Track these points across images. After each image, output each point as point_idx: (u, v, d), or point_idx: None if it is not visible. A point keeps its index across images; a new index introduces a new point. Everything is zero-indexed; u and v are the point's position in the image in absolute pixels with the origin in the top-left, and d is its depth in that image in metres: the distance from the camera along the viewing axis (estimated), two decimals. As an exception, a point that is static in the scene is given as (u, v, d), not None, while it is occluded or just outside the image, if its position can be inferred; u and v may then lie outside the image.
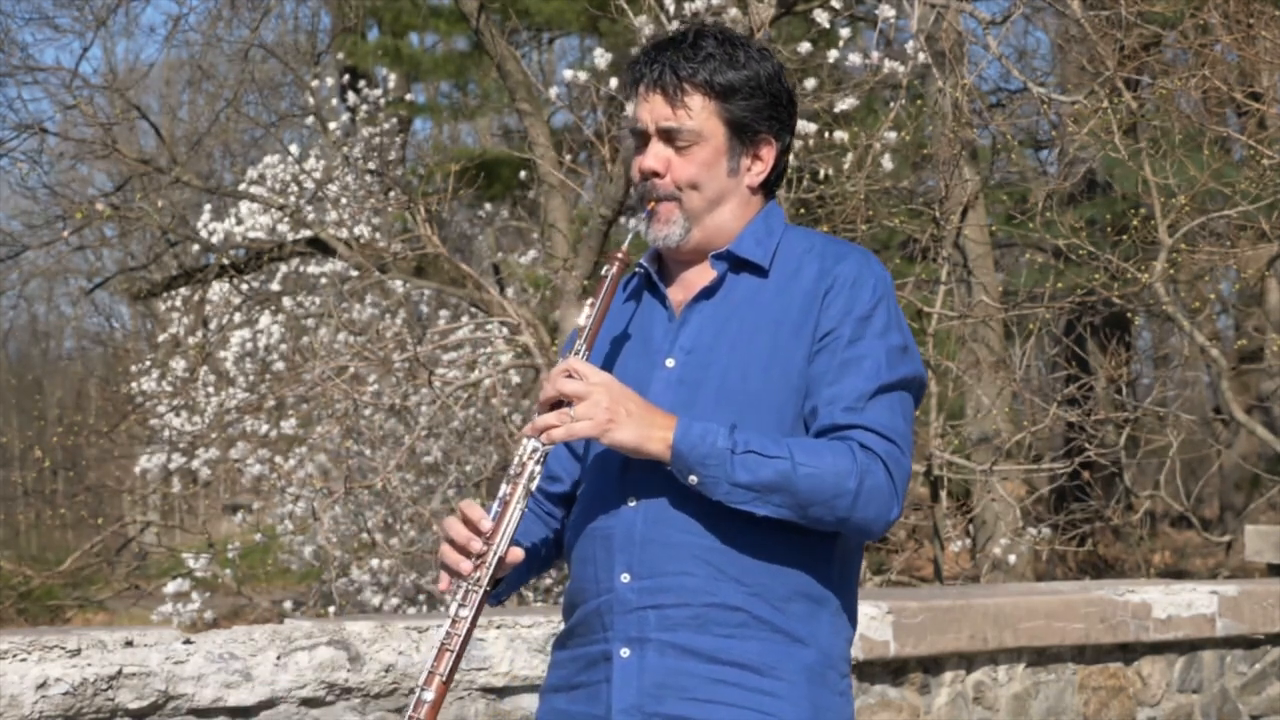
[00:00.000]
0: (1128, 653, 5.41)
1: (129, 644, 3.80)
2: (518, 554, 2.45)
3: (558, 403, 2.42)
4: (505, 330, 8.67)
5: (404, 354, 8.88)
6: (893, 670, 4.91)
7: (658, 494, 2.44)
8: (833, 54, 8.32)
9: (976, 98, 10.13)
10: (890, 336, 2.48)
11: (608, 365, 2.59)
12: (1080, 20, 8.63)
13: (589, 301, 2.53)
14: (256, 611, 11.42)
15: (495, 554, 2.42)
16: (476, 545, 2.42)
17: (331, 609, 9.65)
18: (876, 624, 4.80)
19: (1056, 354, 10.31)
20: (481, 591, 2.42)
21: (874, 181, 8.27)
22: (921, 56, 8.05)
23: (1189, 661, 5.55)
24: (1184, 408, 12.56)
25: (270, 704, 3.96)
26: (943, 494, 8.42)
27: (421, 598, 10.07)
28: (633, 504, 2.48)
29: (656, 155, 2.53)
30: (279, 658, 3.96)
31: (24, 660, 3.68)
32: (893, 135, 8.08)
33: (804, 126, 8.07)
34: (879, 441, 2.42)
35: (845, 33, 8.77)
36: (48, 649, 3.71)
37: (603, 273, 2.55)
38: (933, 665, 4.99)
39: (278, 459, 10.41)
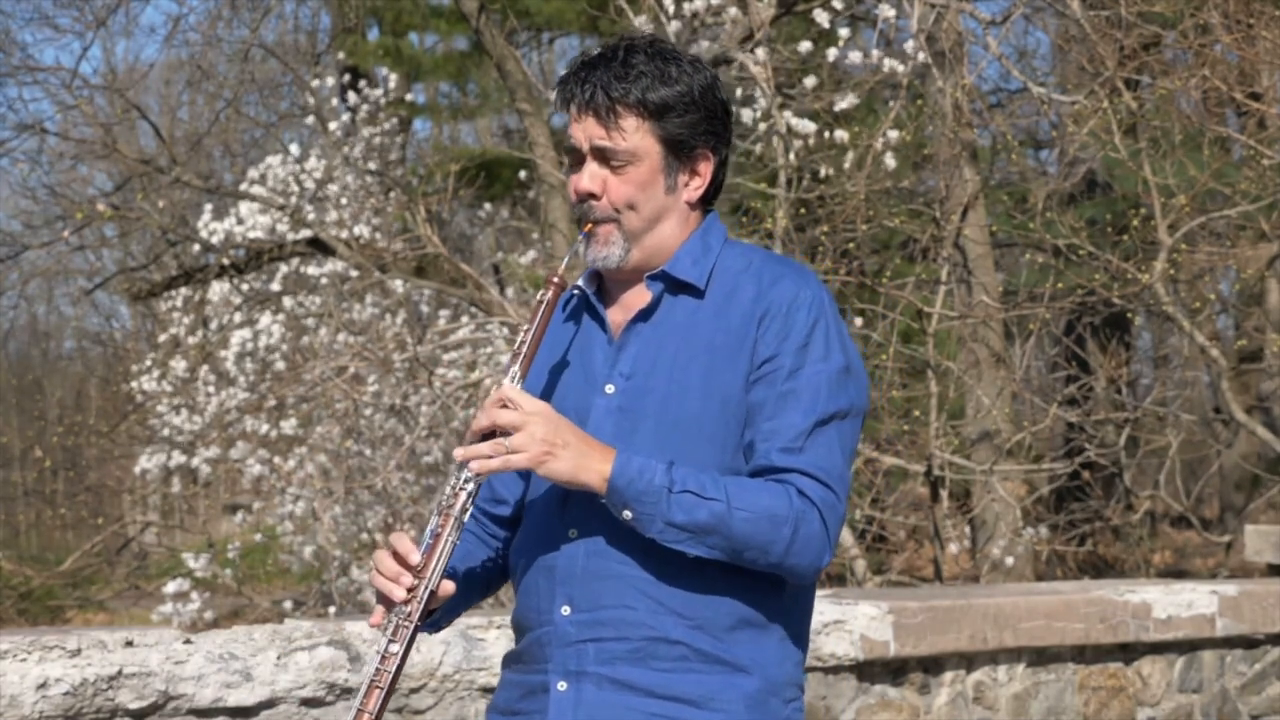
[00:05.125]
0: (1128, 653, 5.41)
1: (129, 644, 3.80)
2: (449, 588, 2.41)
3: (493, 431, 2.38)
4: (505, 330, 8.68)
5: (404, 354, 8.89)
6: (893, 670, 4.91)
7: (599, 526, 2.41)
8: (832, 53, 8.32)
9: (976, 98, 10.13)
10: (831, 360, 2.43)
11: (548, 390, 2.54)
12: (1080, 20, 8.62)
13: (523, 327, 2.48)
14: (256, 611, 11.42)
15: (426, 588, 2.38)
16: (407, 580, 2.38)
17: (331, 609, 9.66)
18: (876, 624, 4.80)
19: (1056, 354, 10.31)
20: (412, 627, 2.38)
21: (874, 181, 8.27)
22: (921, 56, 8.05)
23: (1189, 661, 5.55)
24: (1184, 408, 12.55)
25: (270, 704, 3.96)
26: (943, 494, 8.42)
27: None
28: (574, 535, 2.44)
29: (592, 176, 2.48)
30: (279, 658, 3.97)
31: (24, 660, 3.68)
32: (893, 135, 8.08)
33: (804, 126, 8.07)
34: (816, 488, 2.38)
35: (845, 32, 8.77)
36: (48, 649, 3.71)
37: (539, 297, 2.50)
38: (933, 665, 4.99)
39: (278, 459, 10.41)
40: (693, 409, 2.43)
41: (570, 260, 2.55)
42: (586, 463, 2.35)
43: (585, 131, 2.48)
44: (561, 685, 2.43)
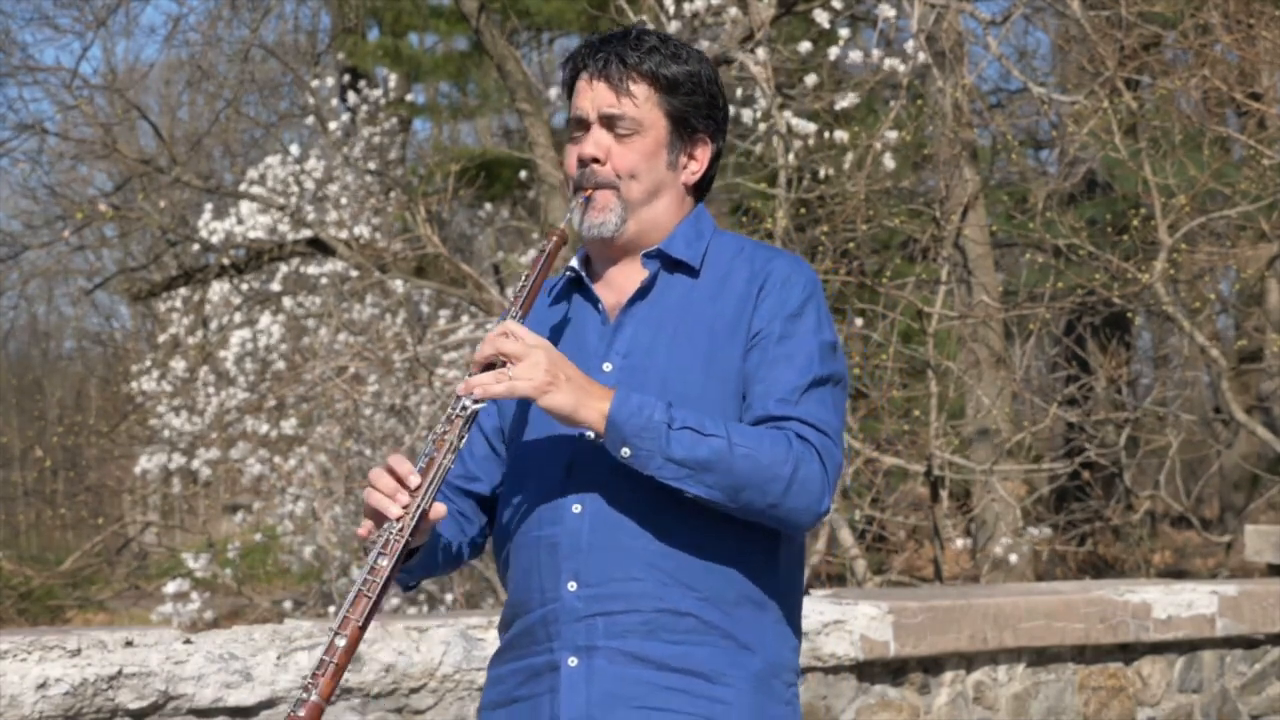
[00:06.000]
0: (1128, 653, 5.41)
1: (129, 644, 3.80)
2: (441, 510, 2.39)
3: (492, 365, 2.38)
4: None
5: (404, 354, 8.89)
6: (893, 670, 4.91)
7: (604, 499, 2.41)
8: (832, 53, 8.31)
9: (976, 98, 10.14)
10: (822, 333, 2.49)
11: None
12: (1080, 20, 8.63)
13: (523, 274, 2.49)
14: (256, 611, 11.42)
15: (419, 506, 2.36)
16: (403, 498, 2.36)
17: (331, 609, 9.65)
18: (876, 624, 4.80)
19: (1056, 354, 10.31)
20: (403, 542, 2.36)
21: (874, 181, 8.27)
22: (921, 56, 8.05)
23: (1189, 661, 5.55)
24: (1184, 408, 12.55)
25: (270, 704, 3.96)
26: (943, 494, 8.42)
27: (421, 597, 10.07)
28: (578, 510, 2.44)
29: (597, 142, 2.51)
30: (279, 658, 3.96)
31: (24, 660, 3.68)
32: (893, 135, 8.08)
33: (804, 126, 8.07)
34: (813, 433, 2.41)
35: (845, 32, 8.77)
36: (48, 649, 3.71)
37: (540, 246, 2.53)
38: (933, 665, 4.99)
39: (278, 459, 10.41)
40: (696, 387, 2.45)
41: (567, 221, 2.56)
42: (587, 399, 2.35)
43: (595, 100, 2.52)
44: (572, 661, 2.42)
